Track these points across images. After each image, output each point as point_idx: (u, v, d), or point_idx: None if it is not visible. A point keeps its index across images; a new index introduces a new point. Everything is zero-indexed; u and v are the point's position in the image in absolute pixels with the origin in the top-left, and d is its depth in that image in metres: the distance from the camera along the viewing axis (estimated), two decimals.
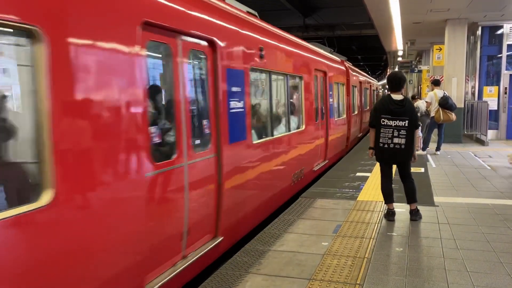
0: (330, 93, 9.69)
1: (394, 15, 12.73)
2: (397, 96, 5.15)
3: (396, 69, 29.47)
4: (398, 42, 19.04)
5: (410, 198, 5.34)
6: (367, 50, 34.30)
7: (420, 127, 5.69)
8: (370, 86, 21.49)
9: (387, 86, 5.72)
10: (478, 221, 5.24)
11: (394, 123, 5.06)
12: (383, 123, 5.10)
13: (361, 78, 16.67)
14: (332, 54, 11.87)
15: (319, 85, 8.83)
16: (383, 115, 5.10)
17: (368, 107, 18.44)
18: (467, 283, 3.57)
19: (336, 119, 10.53)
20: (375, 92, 24.89)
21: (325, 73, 9.29)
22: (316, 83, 8.52)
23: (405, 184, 5.35)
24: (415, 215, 5.30)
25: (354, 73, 14.22)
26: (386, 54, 30.21)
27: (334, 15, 20.81)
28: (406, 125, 5.04)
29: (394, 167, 5.47)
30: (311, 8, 20.49)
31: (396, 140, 5.06)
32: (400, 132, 5.04)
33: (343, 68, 12.20)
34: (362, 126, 16.26)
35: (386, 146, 5.11)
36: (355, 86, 14.17)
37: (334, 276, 3.72)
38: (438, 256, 4.15)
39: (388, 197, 5.37)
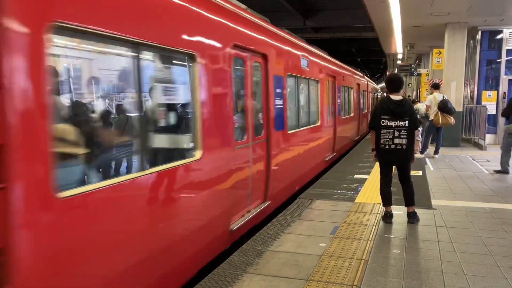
0: None
1: (394, 18, 12.74)
2: (396, 97, 5.18)
3: (395, 71, 29.53)
4: (397, 45, 19.05)
5: (409, 200, 5.34)
6: (366, 53, 34.35)
7: (420, 130, 5.67)
8: (335, 77, 11.04)
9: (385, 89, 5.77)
10: (476, 224, 5.26)
11: (395, 123, 5.06)
12: (383, 124, 5.10)
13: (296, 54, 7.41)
14: None
15: None
16: (383, 116, 5.10)
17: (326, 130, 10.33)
18: (464, 286, 3.58)
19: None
20: (359, 94, 16.83)
21: None
22: None
23: (404, 187, 5.35)
24: (412, 218, 5.31)
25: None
26: (385, 57, 30.24)
27: (334, 17, 20.81)
28: (407, 125, 5.04)
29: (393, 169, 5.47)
30: (312, 10, 20.51)
31: (397, 141, 5.07)
32: (400, 133, 5.05)
33: None
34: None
35: (387, 147, 5.11)
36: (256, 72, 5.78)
37: (332, 277, 3.72)
38: (436, 259, 4.16)
39: (387, 199, 5.38)
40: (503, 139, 8.79)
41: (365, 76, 19.98)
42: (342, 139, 12.01)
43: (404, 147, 5.07)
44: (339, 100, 11.37)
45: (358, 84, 16.34)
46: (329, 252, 4.32)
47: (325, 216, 5.61)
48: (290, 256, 4.20)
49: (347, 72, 13.42)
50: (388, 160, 5.25)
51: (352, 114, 14.33)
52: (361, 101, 17.53)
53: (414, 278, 3.72)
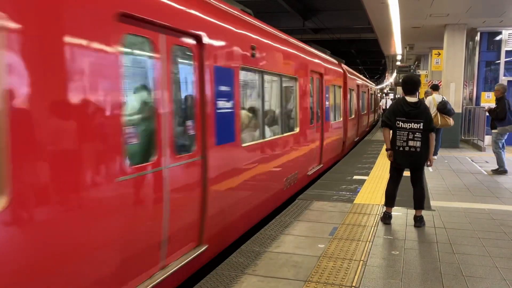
0: None
1: (393, 19, 12.76)
2: (411, 99, 5.13)
3: (394, 72, 29.54)
4: (397, 46, 19.08)
5: (418, 204, 5.25)
6: (366, 54, 34.39)
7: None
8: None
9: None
10: (474, 225, 5.25)
11: (409, 125, 5.03)
12: (398, 126, 5.07)
13: None
14: None
15: None
16: (398, 118, 5.07)
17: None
18: None
19: None
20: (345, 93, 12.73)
21: None
22: None
23: (415, 189, 5.27)
24: (419, 222, 5.22)
25: None
26: (385, 58, 30.28)
27: (334, 18, 20.85)
28: (421, 127, 5.00)
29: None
30: (311, 10, 20.54)
31: (411, 143, 5.03)
32: (415, 135, 5.01)
33: None
34: None
35: (401, 149, 5.08)
36: None
37: (330, 279, 3.72)
38: (434, 260, 4.15)
39: (390, 200, 5.36)
40: (494, 141, 8.76)
41: (342, 64, 12.95)
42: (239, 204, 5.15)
43: (418, 149, 5.01)
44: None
45: (321, 75, 9.31)
46: (327, 253, 4.31)
47: (324, 217, 5.60)
48: (288, 257, 4.20)
49: (270, 42, 5.98)
50: (402, 162, 5.17)
51: (297, 130, 7.31)
52: (328, 104, 10.08)
53: (412, 280, 3.72)
